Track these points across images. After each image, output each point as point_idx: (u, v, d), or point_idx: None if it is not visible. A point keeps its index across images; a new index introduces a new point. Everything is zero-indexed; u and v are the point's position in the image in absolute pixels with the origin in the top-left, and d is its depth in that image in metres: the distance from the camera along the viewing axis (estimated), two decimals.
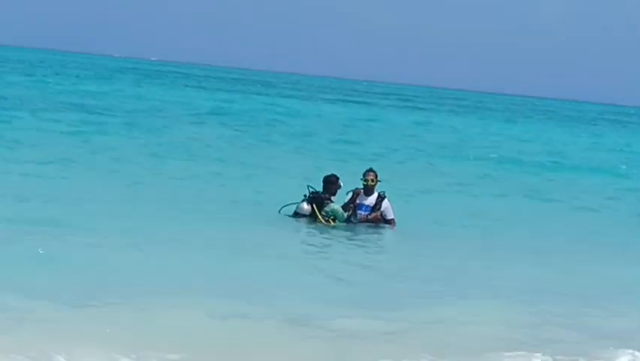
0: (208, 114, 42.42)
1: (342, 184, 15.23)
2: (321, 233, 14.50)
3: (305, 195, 15.04)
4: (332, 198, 15.16)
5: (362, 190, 15.35)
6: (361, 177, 15.42)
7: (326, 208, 14.94)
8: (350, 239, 14.43)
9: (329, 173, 15.55)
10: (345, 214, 15.13)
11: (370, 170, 15.52)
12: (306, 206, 14.95)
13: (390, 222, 15.36)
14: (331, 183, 15.16)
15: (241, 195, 17.78)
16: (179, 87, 72.23)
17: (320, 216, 14.88)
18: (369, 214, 15.28)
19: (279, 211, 15.17)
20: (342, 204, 15.24)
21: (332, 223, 14.90)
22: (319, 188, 15.15)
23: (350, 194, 15.35)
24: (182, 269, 11.33)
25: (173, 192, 17.68)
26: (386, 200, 15.33)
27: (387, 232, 15.22)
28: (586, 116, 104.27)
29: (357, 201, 15.32)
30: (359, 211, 15.27)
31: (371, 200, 15.32)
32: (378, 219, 15.31)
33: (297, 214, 15.05)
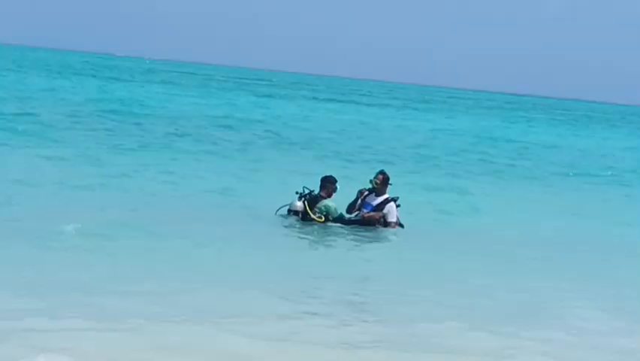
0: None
1: (338, 187, 15.23)
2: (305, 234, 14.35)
3: (297, 192, 15.16)
4: (327, 198, 15.13)
5: (369, 191, 15.27)
6: (372, 177, 15.38)
7: (319, 205, 15.03)
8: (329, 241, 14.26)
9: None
10: (354, 214, 15.14)
11: (380, 172, 15.42)
12: (298, 203, 15.00)
13: (389, 224, 15.13)
14: (329, 183, 15.19)
15: None
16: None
17: (311, 213, 14.90)
18: (368, 212, 15.13)
19: (276, 213, 15.17)
20: (350, 202, 15.22)
21: (322, 220, 14.92)
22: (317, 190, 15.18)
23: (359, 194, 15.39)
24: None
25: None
26: (392, 203, 15.15)
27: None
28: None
29: (366, 201, 15.25)
30: (363, 209, 15.19)
31: (378, 200, 15.20)
32: (375, 219, 15.07)
33: (289, 212, 15.08)
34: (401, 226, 15.27)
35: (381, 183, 15.23)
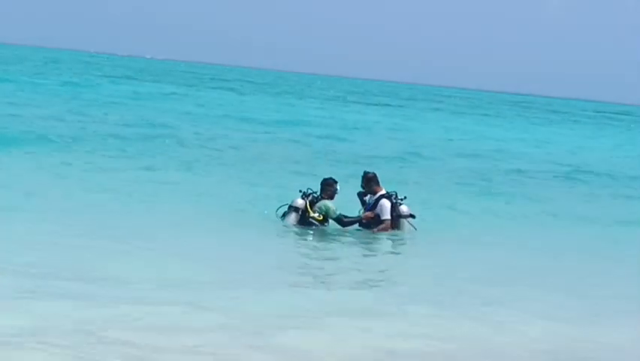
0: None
1: (338, 188, 15.17)
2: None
3: (300, 190, 15.14)
4: (328, 200, 15.09)
5: (364, 194, 15.36)
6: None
7: (318, 204, 14.99)
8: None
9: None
10: (361, 212, 15.19)
11: (363, 173, 15.37)
12: (300, 200, 15.02)
13: (383, 222, 14.99)
14: (328, 185, 15.13)
15: None
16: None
17: (311, 210, 14.92)
18: (365, 212, 15.12)
19: (277, 211, 15.24)
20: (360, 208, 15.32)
21: (321, 218, 14.90)
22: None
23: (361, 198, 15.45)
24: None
25: None
26: (384, 200, 15.04)
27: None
28: None
29: (368, 201, 15.26)
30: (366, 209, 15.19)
31: (373, 199, 15.17)
32: (370, 218, 15.04)
33: (290, 207, 15.07)
34: (412, 216, 15.15)
35: (367, 183, 15.23)
